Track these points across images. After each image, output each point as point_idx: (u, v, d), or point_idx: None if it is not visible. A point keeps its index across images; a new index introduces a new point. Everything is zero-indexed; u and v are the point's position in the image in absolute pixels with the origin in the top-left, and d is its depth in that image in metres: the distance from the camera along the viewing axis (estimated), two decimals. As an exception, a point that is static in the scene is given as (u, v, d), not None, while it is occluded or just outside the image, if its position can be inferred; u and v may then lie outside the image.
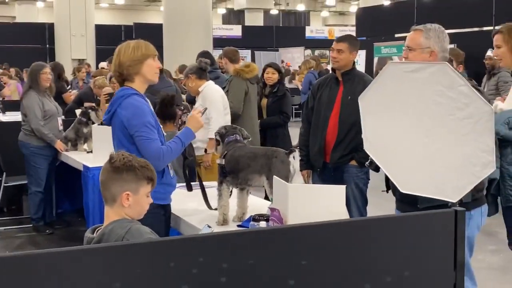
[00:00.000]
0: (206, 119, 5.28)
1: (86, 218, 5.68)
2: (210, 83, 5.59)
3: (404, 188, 3.06)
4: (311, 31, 28.02)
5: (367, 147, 3.24)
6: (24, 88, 6.86)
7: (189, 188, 4.03)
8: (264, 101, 7.01)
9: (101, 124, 5.74)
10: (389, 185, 3.57)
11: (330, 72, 5.09)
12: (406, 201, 3.30)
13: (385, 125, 3.12)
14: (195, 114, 3.69)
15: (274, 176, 3.24)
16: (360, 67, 14.86)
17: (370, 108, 3.19)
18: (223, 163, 3.55)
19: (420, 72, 2.94)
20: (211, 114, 5.30)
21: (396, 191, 3.37)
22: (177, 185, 4.43)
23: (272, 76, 6.94)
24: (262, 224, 3.10)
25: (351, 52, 4.78)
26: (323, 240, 2.18)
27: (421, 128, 2.96)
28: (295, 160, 3.47)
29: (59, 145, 6.52)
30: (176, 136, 3.57)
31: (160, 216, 3.47)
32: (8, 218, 7.13)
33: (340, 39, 4.86)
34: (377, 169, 3.49)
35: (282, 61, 14.70)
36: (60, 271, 1.83)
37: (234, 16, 35.87)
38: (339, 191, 3.04)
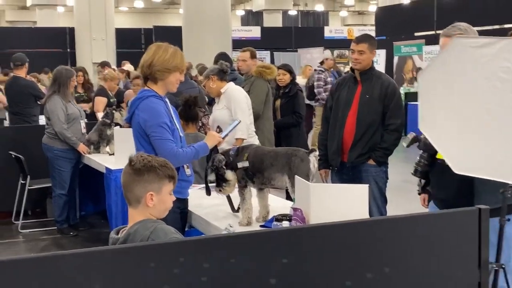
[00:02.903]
0: (231, 120, 5.28)
1: (109, 220, 5.72)
2: (232, 84, 5.62)
3: (458, 169, 2.97)
4: (330, 31, 27.97)
5: (422, 127, 3.15)
6: (48, 91, 6.92)
7: (208, 193, 4.04)
8: (278, 102, 7.06)
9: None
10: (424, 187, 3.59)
11: (349, 72, 5.09)
12: (445, 201, 3.30)
13: (444, 103, 3.03)
14: (214, 133, 3.83)
15: (296, 176, 3.25)
16: (380, 66, 14.81)
17: (429, 86, 3.10)
18: (247, 165, 3.56)
19: (489, 47, 2.85)
20: (237, 115, 5.32)
21: (437, 190, 3.38)
22: (198, 186, 4.49)
23: (283, 77, 6.99)
24: (285, 224, 3.11)
25: (371, 52, 4.79)
26: (345, 239, 2.20)
27: (482, 106, 2.87)
28: (315, 160, 3.48)
29: (82, 148, 6.59)
30: (193, 145, 3.70)
31: (175, 209, 3.51)
32: (32, 220, 7.20)
33: (360, 40, 4.84)
34: (423, 176, 3.48)
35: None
36: (85, 272, 1.86)
37: (253, 18, 35.90)
38: (361, 190, 3.03)
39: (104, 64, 11.57)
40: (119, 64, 16.61)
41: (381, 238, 2.25)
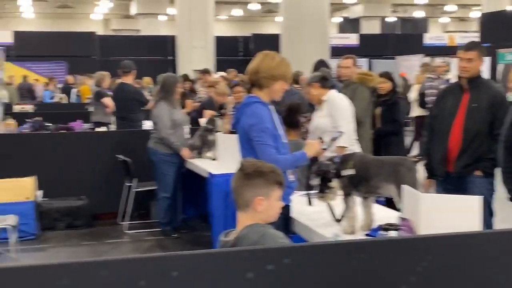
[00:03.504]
0: (333, 128, 5.28)
1: (211, 223, 5.85)
2: (333, 91, 5.62)
3: None
4: (429, 38, 27.34)
5: None
6: (155, 97, 7.18)
7: (310, 202, 4.05)
8: (378, 110, 6.99)
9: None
10: None
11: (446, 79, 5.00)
12: None
13: None
14: (314, 142, 3.84)
15: (405, 185, 3.22)
16: (484, 74, 14.34)
17: None
18: (353, 173, 3.55)
19: None
20: (339, 122, 5.32)
21: None
22: (300, 192, 4.52)
23: (384, 85, 6.91)
24: (392, 233, 3.08)
25: (480, 60, 4.67)
26: (455, 252, 2.16)
27: None
28: (422, 169, 3.44)
29: (185, 152, 6.78)
30: (294, 153, 3.76)
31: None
32: (138, 222, 7.43)
33: (469, 48, 4.70)
34: None
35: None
36: (194, 274, 1.92)
37: (351, 25, 35.65)
38: (474, 202, 2.96)
39: (205, 72, 11.80)
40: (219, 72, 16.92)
41: (489, 251, 2.19)
